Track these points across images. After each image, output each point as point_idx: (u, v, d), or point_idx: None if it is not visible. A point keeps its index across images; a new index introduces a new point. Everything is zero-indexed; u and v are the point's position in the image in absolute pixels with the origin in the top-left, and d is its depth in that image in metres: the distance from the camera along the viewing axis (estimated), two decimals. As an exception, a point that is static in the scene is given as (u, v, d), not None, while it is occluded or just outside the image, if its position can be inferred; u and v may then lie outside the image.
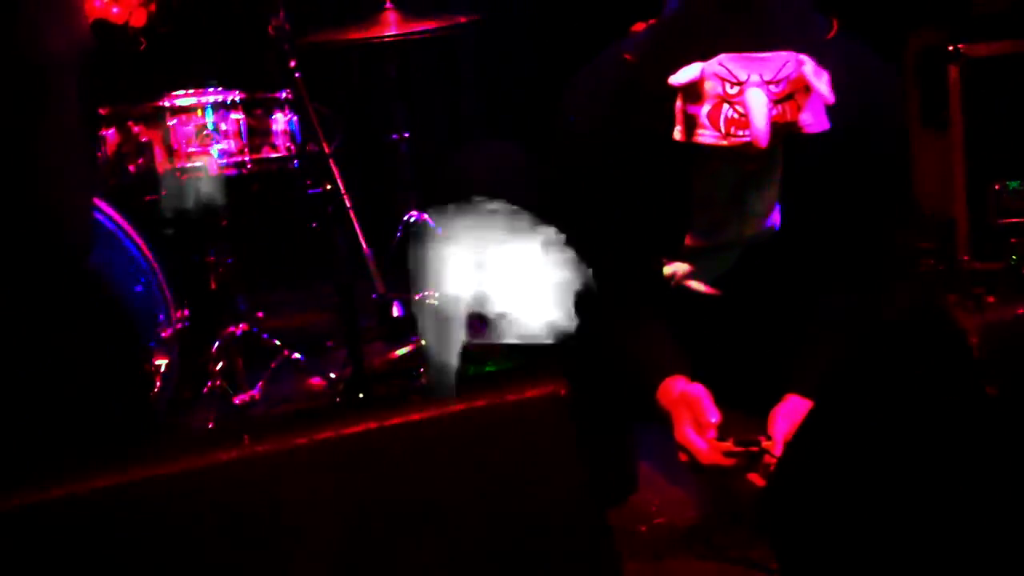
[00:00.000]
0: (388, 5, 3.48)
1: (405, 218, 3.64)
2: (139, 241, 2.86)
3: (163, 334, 2.88)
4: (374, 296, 2.96)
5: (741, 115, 1.97)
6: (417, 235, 3.63)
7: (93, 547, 1.24)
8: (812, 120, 2.00)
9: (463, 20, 3.41)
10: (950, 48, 3.57)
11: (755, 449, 2.02)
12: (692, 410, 2.10)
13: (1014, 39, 3.58)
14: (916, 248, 3.66)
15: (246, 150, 3.03)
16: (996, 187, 3.61)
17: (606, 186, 2.24)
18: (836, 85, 1.99)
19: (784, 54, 1.98)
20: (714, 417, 2.07)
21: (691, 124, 2.01)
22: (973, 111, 3.62)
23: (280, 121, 3.09)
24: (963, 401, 1.57)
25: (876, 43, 2.25)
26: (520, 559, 1.27)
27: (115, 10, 2.38)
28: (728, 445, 2.04)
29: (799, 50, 1.99)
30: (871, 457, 1.68)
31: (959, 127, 3.63)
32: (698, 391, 2.12)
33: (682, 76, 1.99)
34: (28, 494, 1.23)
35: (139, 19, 2.43)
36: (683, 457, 2.11)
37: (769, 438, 2.04)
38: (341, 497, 1.28)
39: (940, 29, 3.69)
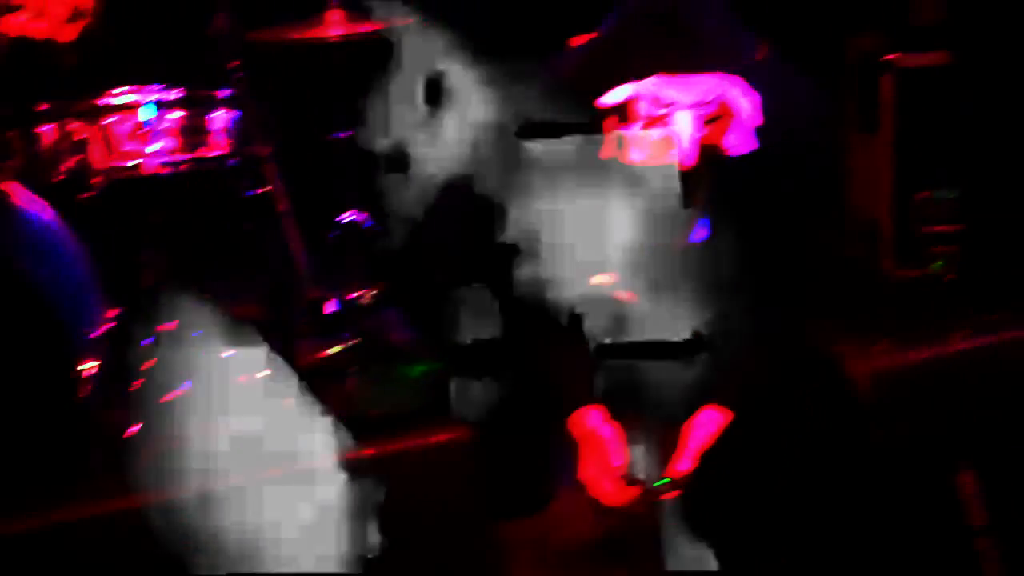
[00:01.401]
0: (333, 4, 3.48)
1: (341, 218, 3.65)
2: (71, 240, 2.83)
3: (93, 334, 2.86)
4: (306, 295, 2.96)
5: (669, 136, 2.00)
6: (354, 235, 3.64)
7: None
8: (739, 142, 2.04)
9: (401, 23, 3.40)
10: (884, 58, 3.64)
11: (658, 497, 2.08)
12: (599, 450, 2.13)
13: (949, 50, 3.64)
14: (842, 258, 3.73)
15: (184, 148, 3.02)
16: (923, 195, 3.69)
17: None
18: (766, 107, 2.03)
19: (713, 76, 2.02)
20: (618, 461, 2.11)
21: (620, 143, 2.05)
22: (906, 120, 3.69)
23: (220, 120, 3.08)
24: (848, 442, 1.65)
25: (815, 48, 2.28)
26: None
27: (39, 26, 2.27)
28: (633, 490, 2.09)
29: (729, 72, 2.03)
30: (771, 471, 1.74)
31: (888, 136, 3.70)
32: (607, 432, 2.15)
33: (612, 97, 2.02)
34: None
35: (68, 34, 2.32)
36: (588, 492, 2.15)
37: (672, 482, 2.09)
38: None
39: (879, 36, 3.75)
